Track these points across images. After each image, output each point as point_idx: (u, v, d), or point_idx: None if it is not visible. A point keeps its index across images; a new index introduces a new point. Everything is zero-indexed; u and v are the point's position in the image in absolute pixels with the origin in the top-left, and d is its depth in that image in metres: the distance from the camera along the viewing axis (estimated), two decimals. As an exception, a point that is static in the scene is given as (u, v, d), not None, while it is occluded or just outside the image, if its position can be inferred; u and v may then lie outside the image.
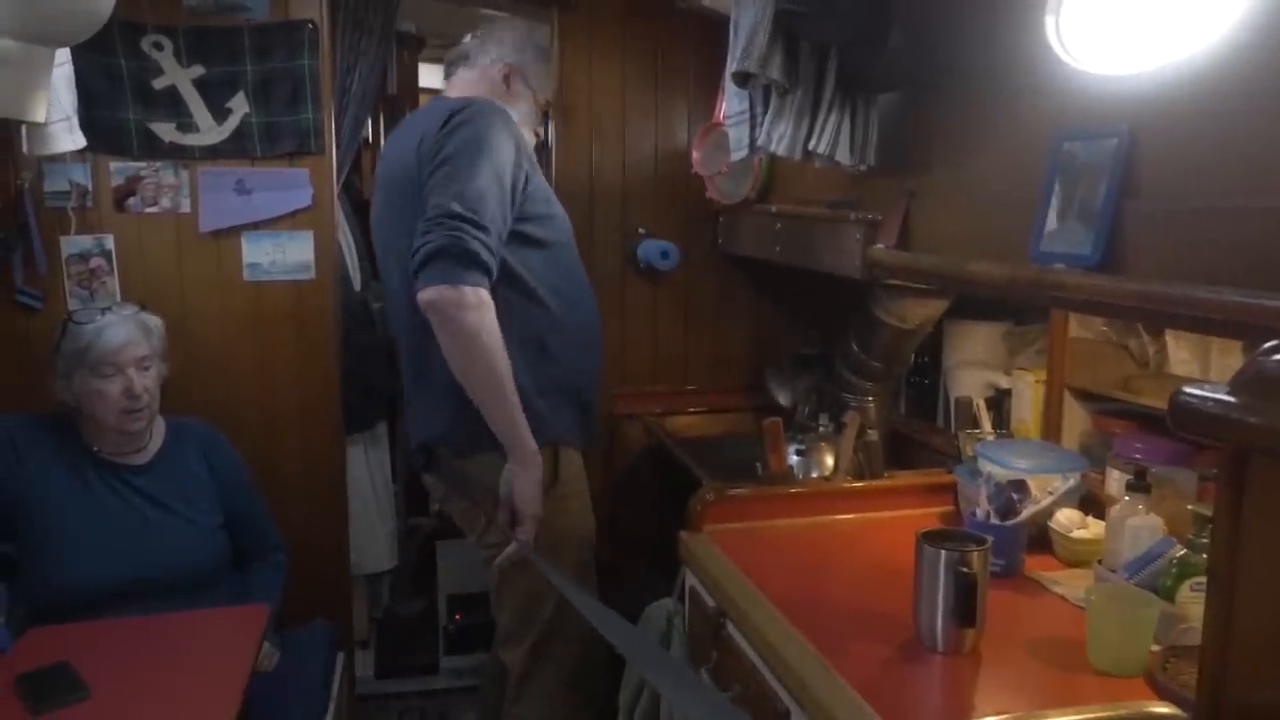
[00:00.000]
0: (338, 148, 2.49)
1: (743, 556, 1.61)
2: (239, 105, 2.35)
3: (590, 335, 1.97)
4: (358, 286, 2.84)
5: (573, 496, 1.91)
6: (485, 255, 1.67)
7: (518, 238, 1.80)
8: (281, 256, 2.44)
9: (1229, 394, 0.60)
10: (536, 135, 2.06)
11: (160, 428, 2.10)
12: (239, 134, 2.36)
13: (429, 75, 3.52)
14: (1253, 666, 0.59)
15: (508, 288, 1.79)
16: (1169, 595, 1.28)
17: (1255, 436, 0.57)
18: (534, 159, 1.91)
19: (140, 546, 1.95)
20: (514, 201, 1.76)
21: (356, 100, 2.60)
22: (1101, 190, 1.24)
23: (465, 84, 2.01)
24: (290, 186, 2.41)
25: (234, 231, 2.40)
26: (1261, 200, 0.94)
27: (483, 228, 1.67)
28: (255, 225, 2.41)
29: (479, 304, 1.66)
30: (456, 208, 1.66)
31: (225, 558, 2.08)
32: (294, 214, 2.42)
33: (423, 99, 3.61)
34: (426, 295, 1.65)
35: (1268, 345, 0.61)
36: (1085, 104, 1.29)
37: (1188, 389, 0.63)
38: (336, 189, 2.51)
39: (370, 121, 3.08)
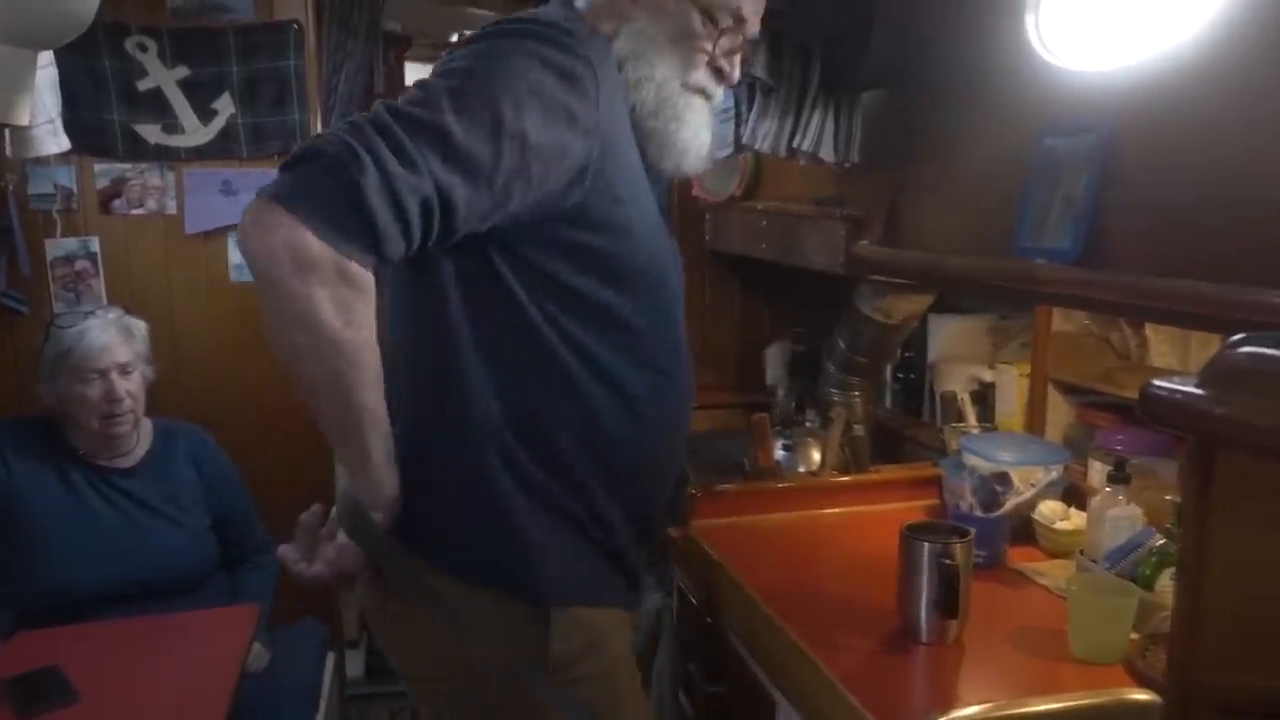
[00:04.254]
0: (324, 148, 2.49)
1: (730, 551, 1.62)
2: (224, 106, 2.35)
3: (672, 446, 1.24)
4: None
5: (591, 681, 1.16)
6: (386, 206, 0.96)
7: (558, 272, 1.08)
8: (268, 257, 2.43)
9: (1197, 386, 0.61)
10: (702, 92, 1.18)
11: (148, 430, 2.10)
12: (225, 135, 2.36)
13: (416, 75, 3.52)
14: (1220, 651, 0.60)
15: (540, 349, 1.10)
16: (1148, 584, 1.30)
17: (1221, 427, 0.58)
18: (639, 135, 1.14)
19: (128, 549, 1.95)
20: (531, 182, 1.02)
21: (343, 100, 2.61)
22: (1081, 186, 1.26)
23: None
24: (276, 187, 2.41)
25: (221, 233, 2.40)
26: (1236, 193, 0.96)
27: (411, 161, 0.96)
28: (241, 226, 2.42)
29: (345, 278, 0.97)
30: (383, 113, 0.98)
31: (214, 560, 2.08)
32: (281, 215, 2.42)
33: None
34: (251, 228, 0.97)
35: (1235, 338, 0.63)
36: (1065, 100, 1.31)
37: (1157, 381, 0.64)
38: (323, 189, 2.51)
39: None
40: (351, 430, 1.08)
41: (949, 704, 1.17)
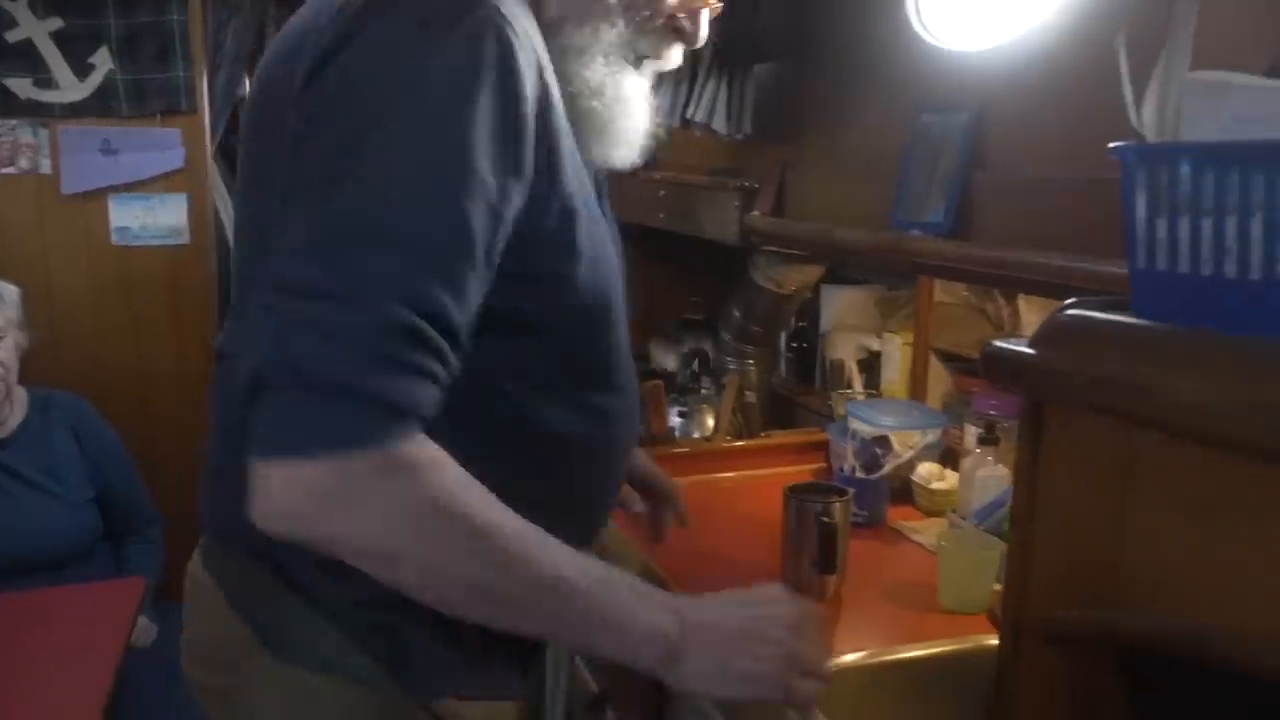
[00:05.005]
0: (211, 107, 2.40)
1: (623, 515, 1.66)
2: (102, 61, 2.25)
3: (607, 487, 1.04)
4: (236, 252, 2.76)
5: None
6: (426, 368, 0.74)
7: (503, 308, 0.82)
8: (153, 220, 2.35)
9: (1029, 346, 0.66)
10: (653, 59, 0.96)
11: (22, 400, 2.01)
12: (103, 91, 2.25)
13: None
14: (1046, 590, 0.66)
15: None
16: (1010, 538, 1.38)
17: (1047, 383, 0.63)
18: (584, 118, 0.91)
19: (6, 524, 1.88)
20: (499, 224, 0.78)
21: (230, 58, 2.51)
22: (953, 162, 1.32)
23: None
24: (161, 147, 2.32)
25: (100, 194, 2.30)
26: (1083, 173, 1.02)
27: (424, 303, 0.73)
28: (124, 187, 2.32)
29: (422, 464, 0.74)
30: (289, 262, 0.74)
31: (96, 533, 2.02)
32: (166, 176, 2.34)
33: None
34: (277, 493, 0.72)
35: (1066, 302, 0.68)
36: (943, 80, 1.37)
37: (996, 341, 0.69)
38: (211, 150, 2.43)
39: (246, 81, 2.98)
40: (563, 606, 0.79)
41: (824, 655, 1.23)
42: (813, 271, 2.08)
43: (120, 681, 1.49)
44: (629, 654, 0.80)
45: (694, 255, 2.52)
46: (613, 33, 0.89)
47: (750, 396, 2.03)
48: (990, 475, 1.51)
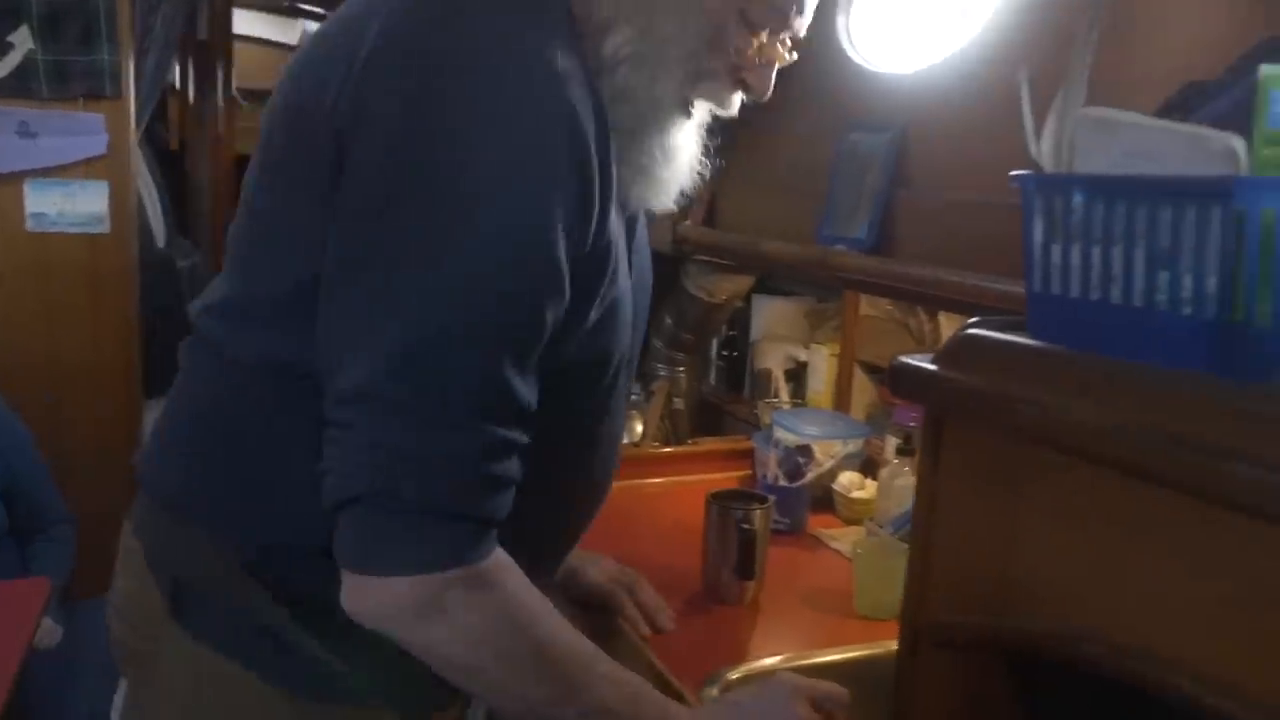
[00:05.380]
0: (137, 93, 2.34)
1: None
2: (21, 40, 2.17)
3: (582, 525, 1.09)
4: (161, 242, 2.69)
5: None
6: (514, 475, 0.77)
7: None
8: (71, 207, 2.28)
9: (932, 362, 0.69)
10: (704, 103, 0.90)
11: (-75, 389, 1.93)
12: (22, 71, 2.17)
13: (245, 22, 3.34)
14: (941, 598, 0.69)
15: None
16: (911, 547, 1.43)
17: (945, 398, 0.66)
18: (628, 189, 0.87)
19: (-97, 518, 1.80)
20: (564, 303, 0.78)
21: (159, 43, 2.45)
22: (878, 180, 1.36)
23: None
24: (82, 131, 2.25)
25: (16, 178, 2.22)
26: (993, 197, 1.07)
27: (510, 405, 0.75)
28: (41, 172, 2.24)
29: (503, 572, 0.78)
30: (432, 391, 0.72)
31: (1, 528, 1.95)
32: (87, 161, 2.27)
33: (237, 48, 3.42)
34: (383, 601, 0.75)
35: (969, 321, 0.71)
36: (870, 99, 1.41)
37: (902, 356, 0.71)
38: (135, 136, 2.36)
39: (177, 67, 2.91)
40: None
41: (740, 659, 1.25)
42: (744, 281, 2.11)
43: (21, 684, 1.44)
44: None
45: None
46: (670, 82, 0.83)
47: (679, 403, 2.05)
48: (907, 485, 1.56)
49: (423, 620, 0.74)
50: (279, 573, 0.83)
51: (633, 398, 2.22)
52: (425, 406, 0.71)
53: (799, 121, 1.59)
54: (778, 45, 0.87)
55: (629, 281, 0.88)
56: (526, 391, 0.75)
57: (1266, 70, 0.57)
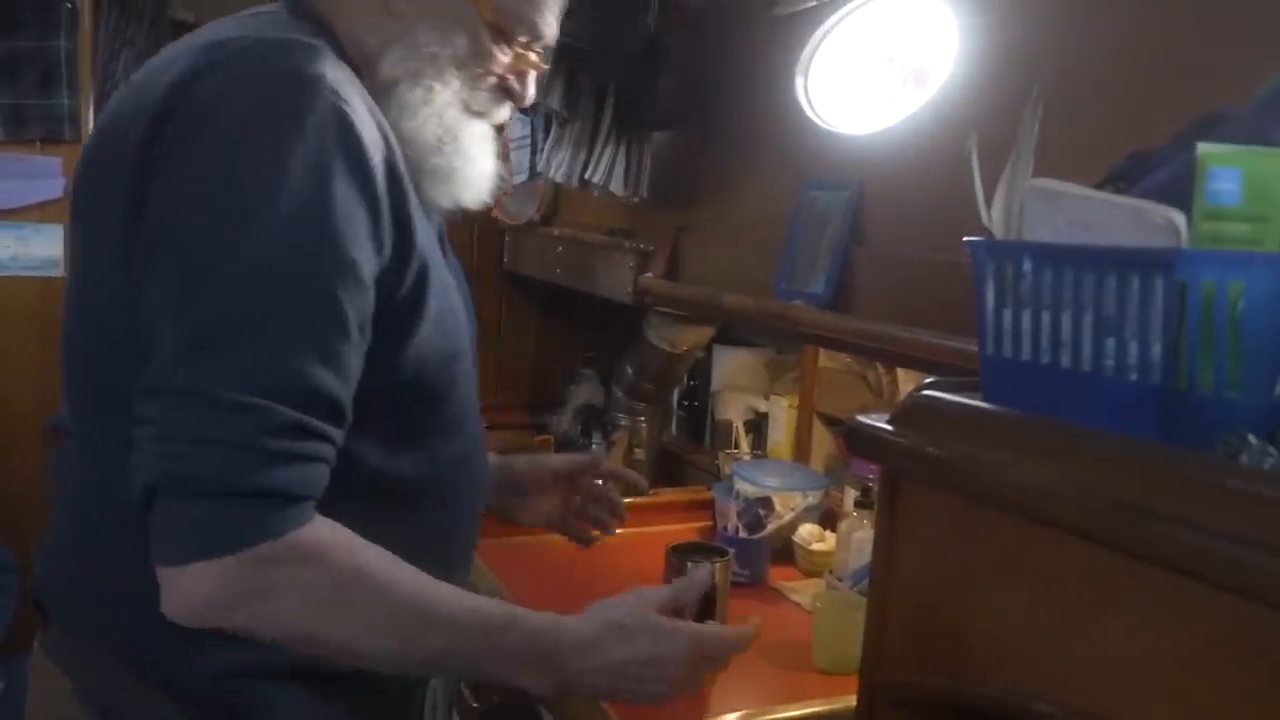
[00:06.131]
0: (96, 137, 2.32)
1: (508, 571, 1.64)
2: (-22, 83, 2.15)
3: (464, 532, 1.04)
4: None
5: None
6: (313, 453, 0.78)
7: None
8: (25, 250, 2.24)
9: (888, 422, 0.70)
10: (487, 115, 0.99)
11: None
12: (-23, 114, 2.15)
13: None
14: (897, 656, 0.69)
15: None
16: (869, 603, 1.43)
17: (901, 459, 0.67)
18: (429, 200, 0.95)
19: None
20: (368, 298, 0.81)
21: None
22: (835, 235, 1.38)
23: None
24: (38, 175, 2.23)
25: (-35, 219, 2.19)
26: (947, 255, 1.09)
27: (305, 391, 0.76)
28: (-6, 214, 2.21)
29: (323, 544, 0.78)
30: (219, 376, 0.74)
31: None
32: (41, 205, 2.24)
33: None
34: (195, 592, 0.76)
35: (924, 382, 0.72)
36: (829, 157, 1.44)
37: (859, 417, 0.72)
38: (93, 181, 2.34)
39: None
40: (460, 665, 0.89)
41: (700, 714, 1.24)
42: (705, 332, 2.13)
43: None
44: (518, 692, 0.88)
45: (590, 310, 2.55)
46: (447, 91, 0.93)
47: (639, 453, 2.04)
48: (865, 538, 1.56)
49: (245, 602, 0.75)
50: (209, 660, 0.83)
51: (594, 447, 2.21)
52: (212, 392, 0.73)
53: (760, 177, 1.62)
54: (531, 54, 0.97)
55: (450, 278, 0.96)
56: (333, 383, 0.77)
57: (1204, 148, 0.60)
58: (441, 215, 1.02)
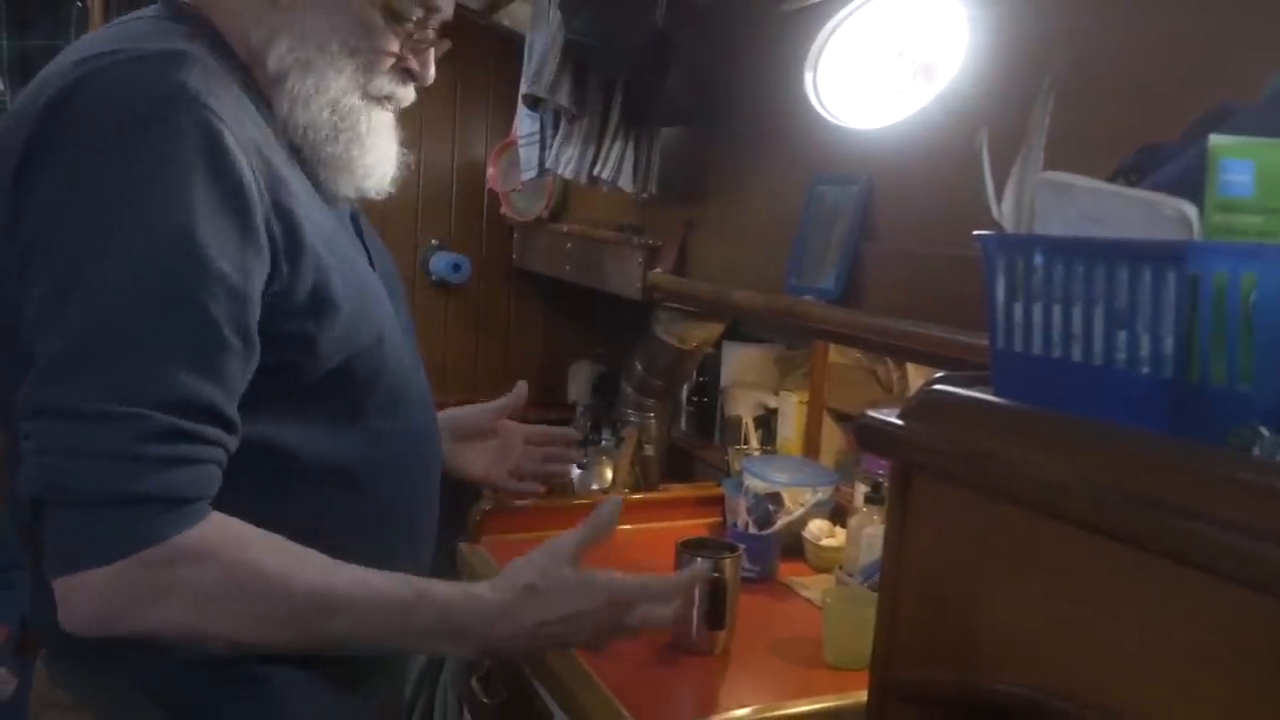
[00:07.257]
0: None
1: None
2: (-9, 84, 2.17)
3: (415, 514, 1.05)
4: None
5: None
6: (194, 456, 0.78)
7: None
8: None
9: (899, 417, 0.70)
10: (388, 99, 0.98)
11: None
12: (-10, 114, 2.17)
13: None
14: (908, 651, 0.69)
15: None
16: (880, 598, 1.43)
17: (913, 454, 0.67)
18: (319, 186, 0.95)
19: None
20: (245, 302, 0.80)
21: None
22: (845, 231, 1.38)
23: None
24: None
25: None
26: (957, 250, 1.09)
27: (178, 398, 0.77)
28: None
29: (212, 544, 0.79)
30: (86, 389, 0.75)
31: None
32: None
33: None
34: (87, 601, 0.77)
35: (934, 377, 0.72)
36: (838, 152, 1.44)
37: (870, 412, 0.72)
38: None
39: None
40: (370, 644, 0.89)
41: (710, 710, 1.24)
42: (714, 328, 2.13)
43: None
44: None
45: (599, 306, 2.55)
46: (341, 79, 0.91)
47: (649, 450, 2.05)
48: (876, 533, 1.56)
49: (137, 608, 0.77)
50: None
51: (603, 444, 2.21)
52: (80, 405, 0.74)
53: (769, 173, 1.62)
54: (428, 31, 0.96)
55: (361, 264, 0.96)
56: (208, 389, 0.77)
57: (1215, 140, 0.59)
58: (352, 204, 1.02)
